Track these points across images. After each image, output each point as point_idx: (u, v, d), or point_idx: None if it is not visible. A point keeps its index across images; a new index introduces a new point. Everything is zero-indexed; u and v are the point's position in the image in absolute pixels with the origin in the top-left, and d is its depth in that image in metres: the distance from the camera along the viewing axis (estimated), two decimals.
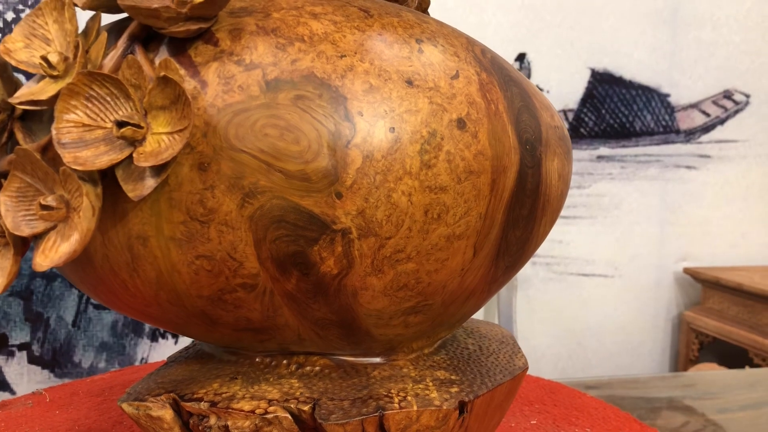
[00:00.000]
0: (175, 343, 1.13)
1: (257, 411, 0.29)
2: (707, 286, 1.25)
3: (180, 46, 0.26)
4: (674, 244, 1.32)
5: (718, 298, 1.23)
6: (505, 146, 0.29)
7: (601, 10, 1.24)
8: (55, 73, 0.25)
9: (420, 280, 0.29)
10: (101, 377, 0.54)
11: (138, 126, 0.24)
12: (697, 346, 1.25)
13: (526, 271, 1.27)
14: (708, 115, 1.30)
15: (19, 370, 1.09)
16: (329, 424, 0.28)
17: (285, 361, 0.32)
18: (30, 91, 0.25)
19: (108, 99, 0.25)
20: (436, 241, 0.28)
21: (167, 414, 0.30)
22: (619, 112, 1.27)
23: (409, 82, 0.27)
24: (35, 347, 1.09)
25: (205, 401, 0.29)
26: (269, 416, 0.29)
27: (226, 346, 0.33)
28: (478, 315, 1.18)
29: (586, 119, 1.26)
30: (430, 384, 0.32)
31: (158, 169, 0.25)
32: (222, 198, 0.25)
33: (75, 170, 0.24)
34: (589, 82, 1.25)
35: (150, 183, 0.25)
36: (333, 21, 0.28)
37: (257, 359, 0.33)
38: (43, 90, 0.25)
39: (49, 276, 1.09)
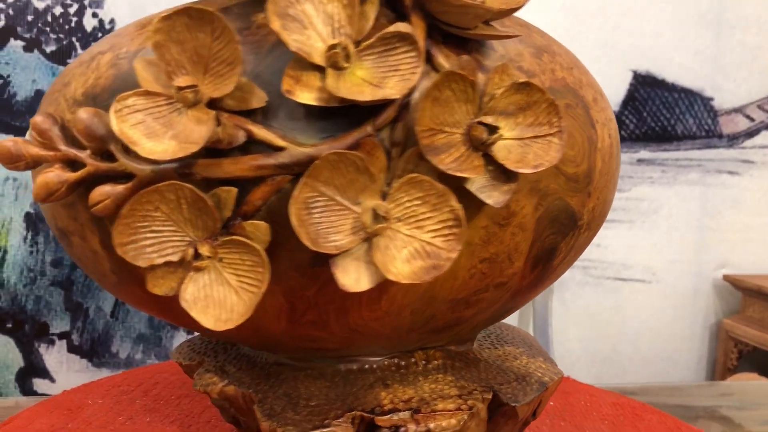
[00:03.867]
0: None
1: (462, 407, 0.29)
2: (748, 294, 1.23)
3: (461, 50, 0.27)
4: (714, 251, 1.29)
5: (759, 307, 1.20)
6: None
7: (643, 12, 1.22)
8: (346, 65, 0.24)
9: None
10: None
11: (494, 129, 0.24)
12: (735, 355, 1.23)
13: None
14: (752, 119, 1.28)
15: (59, 359, 1.11)
16: (521, 405, 0.30)
17: (413, 360, 0.33)
18: (338, 87, 0.24)
19: (458, 102, 0.24)
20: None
21: None
22: (661, 116, 1.25)
23: (602, 94, 0.32)
24: (75, 336, 1.11)
25: (402, 411, 0.29)
26: (473, 410, 0.29)
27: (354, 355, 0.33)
28: (514, 317, 1.17)
29: (627, 122, 1.24)
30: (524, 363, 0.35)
31: (510, 176, 0.25)
32: (523, 201, 0.27)
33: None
34: (631, 85, 1.23)
35: (507, 188, 0.25)
36: (544, 36, 0.32)
37: (385, 362, 0.33)
38: (351, 85, 0.24)
39: None
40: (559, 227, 0.29)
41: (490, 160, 0.25)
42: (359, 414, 0.29)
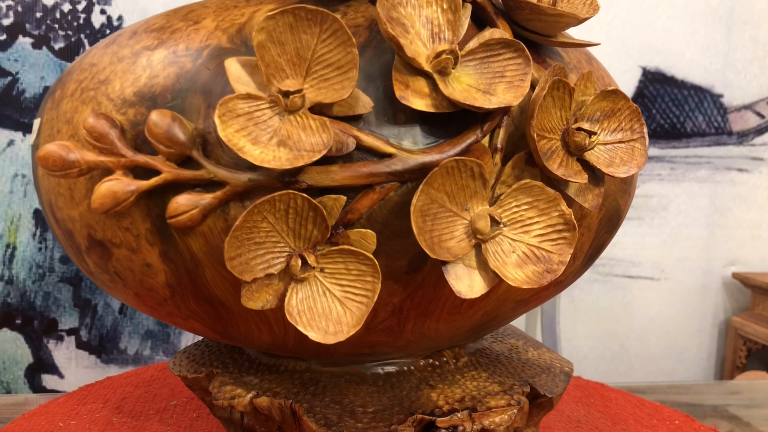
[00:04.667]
0: None
1: (512, 403, 0.30)
2: (757, 292, 1.22)
3: (537, 57, 0.27)
4: (723, 248, 1.29)
5: None
6: None
7: (653, 7, 1.22)
8: (452, 71, 0.24)
9: None
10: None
11: (592, 134, 0.25)
12: (744, 353, 1.22)
13: None
14: (762, 116, 1.27)
15: (67, 355, 1.11)
16: (556, 396, 0.31)
17: (443, 359, 0.33)
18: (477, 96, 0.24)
19: (555, 108, 0.25)
20: None
21: None
22: (670, 112, 1.24)
23: None
24: (83, 333, 1.11)
25: (460, 411, 0.29)
26: (520, 405, 0.30)
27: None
28: (521, 316, 1.17)
29: None
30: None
31: (598, 180, 0.26)
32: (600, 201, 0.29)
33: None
34: (640, 81, 1.23)
35: (598, 191, 0.26)
36: None
37: (420, 362, 0.33)
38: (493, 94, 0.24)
39: None
40: (610, 226, 0.31)
41: (584, 165, 0.25)
42: (419, 417, 0.29)
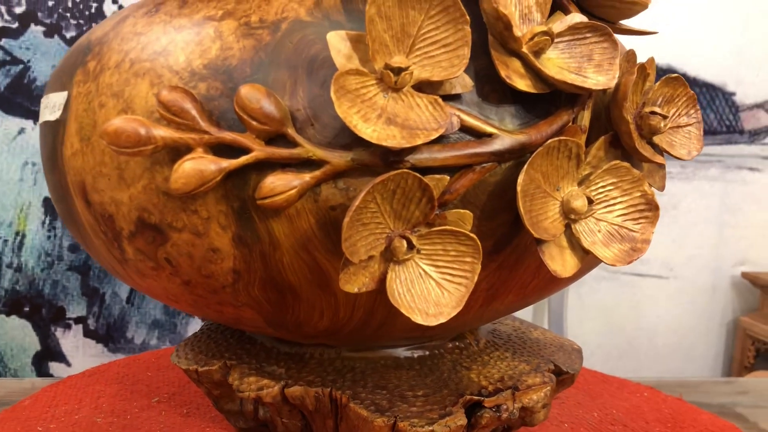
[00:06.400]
0: None
1: (546, 381, 0.31)
2: (766, 292, 1.21)
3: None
4: (733, 248, 1.28)
5: None
6: None
7: (665, 4, 1.21)
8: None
9: None
10: None
11: (664, 117, 0.26)
12: (752, 353, 1.21)
13: None
14: None
15: (75, 343, 1.11)
16: (577, 372, 0.33)
17: (467, 341, 0.34)
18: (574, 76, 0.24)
19: (633, 93, 0.26)
20: None
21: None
22: None
23: None
24: (90, 321, 1.11)
25: (504, 390, 0.30)
26: (552, 382, 0.31)
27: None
28: (528, 310, 1.16)
29: None
30: None
31: (660, 163, 0.27)
32: None
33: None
34: None
35: (663, 173, 0.28)
36: None
37: (448, 345, 0.34)
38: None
39: None
40: None
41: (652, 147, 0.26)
42: (468, 398, 0.29)
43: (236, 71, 0.24)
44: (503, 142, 0.23)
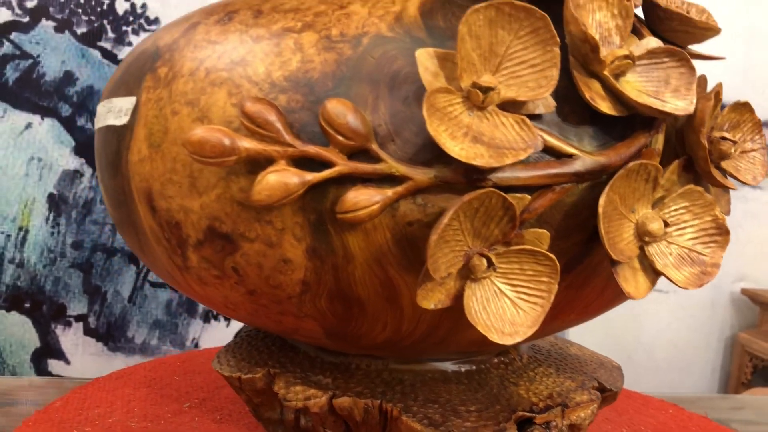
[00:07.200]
0: (227, 326, 1.14)
1: (593, 398, 0.31)
2: (765, 309, 1.23)
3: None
4: (732, 264, 1.29)
5: None
6: None
7: None
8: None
9: None
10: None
11: (733, 143, 0.26)
12: (750, 370, 1.22)
13: None
14: None
15: (74, 341, 1.10)
16: (618, 390, 0.33)
17: (511, 356, 0.33)
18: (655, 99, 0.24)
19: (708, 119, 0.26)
20: None
21: None
22: None
23: None
24: (91, 319, 1.10)
25: (554, 407, 0.30)
26: (598, 401, 0.31)
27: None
28: None
29: None
30: None
31: (726, 188, 0.28)
32: None
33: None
34: None
35: (728, 198, 0.29)
36: None
37: (494, 360, 0.34)
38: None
39: (109, 250, 1.10)
40: None
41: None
42: (520, 414, 0.29)
43: (317, 84, 0.24)
44: (584, 162, 0.24)
